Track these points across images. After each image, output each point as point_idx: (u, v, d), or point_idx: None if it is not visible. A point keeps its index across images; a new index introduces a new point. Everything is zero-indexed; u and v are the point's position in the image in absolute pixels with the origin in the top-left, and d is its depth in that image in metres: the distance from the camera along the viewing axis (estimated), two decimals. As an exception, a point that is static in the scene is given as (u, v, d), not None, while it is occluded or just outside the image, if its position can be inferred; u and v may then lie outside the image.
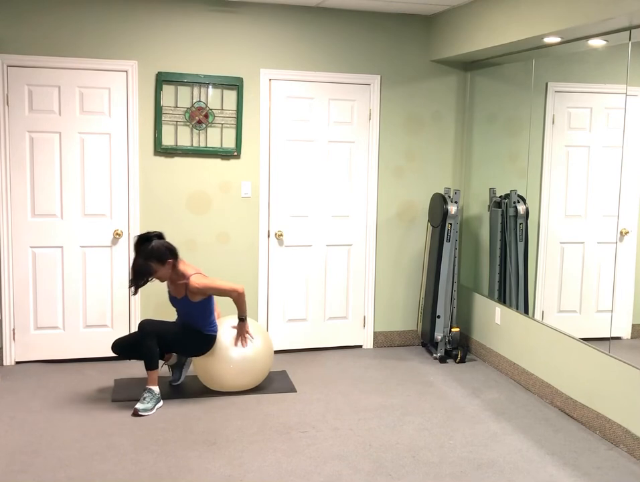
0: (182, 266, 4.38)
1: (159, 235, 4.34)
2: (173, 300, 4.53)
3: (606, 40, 3.99)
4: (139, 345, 4.29)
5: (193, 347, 4.45)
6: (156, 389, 4.28)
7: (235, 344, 4.45)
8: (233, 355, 4.45)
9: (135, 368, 5.00)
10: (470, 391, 4.72)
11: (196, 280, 4.30)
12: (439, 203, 5.30)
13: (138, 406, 4.18)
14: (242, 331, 4.48)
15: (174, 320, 4.64)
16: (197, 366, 4.55)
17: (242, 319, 4.48)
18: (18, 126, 4.84)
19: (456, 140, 5.67)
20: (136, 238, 4.33)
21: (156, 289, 5.19)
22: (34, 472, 3.42)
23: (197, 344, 4.43)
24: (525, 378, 4.82)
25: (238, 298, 4.42)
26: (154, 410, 4.22)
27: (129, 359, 4.48)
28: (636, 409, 3.74)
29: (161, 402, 4.31)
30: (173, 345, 4.44)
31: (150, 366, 4.28)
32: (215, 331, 4.46)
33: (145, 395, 4.25)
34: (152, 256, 4.22)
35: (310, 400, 4.49)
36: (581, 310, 4.44)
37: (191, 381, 4.71)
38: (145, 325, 4.32)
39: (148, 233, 4.34)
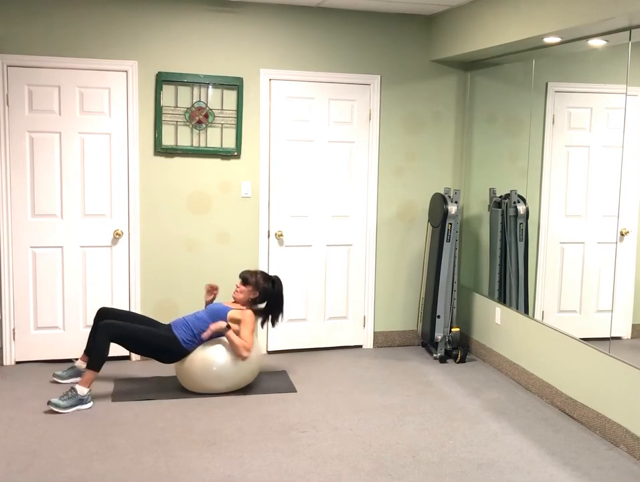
0: (249, 311, 4.61)
1: (275, 280, 4.73)
2: (215, 305, 4.65)
3: (606, 40, 3.99)
4: (94, 337, 4.33)
5: (163, 353, 4.44)
6: (81, 390, 4.20)
7: (209, 329, 4.43)
8: (216, 358, 4.43)
9: (136, 368, 5.00)
10: (470, 391, 4.72)
11: (248, 314, 4.56)
12: (439, 203, 5.30)
13: (53, 399, 4.18)
14: (216, 328, 4.42)
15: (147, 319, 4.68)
16: (178, 368, 4.55)
17: (228, 327, 4.46)
18: (18, 126, 4.84)
19: (456, 140, 5.67)
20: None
21: (156, 289, 5.19)
22: (34, 472, 3.42)
23: (169, 351, 4.44)
24: (525, 378, 4.82)
25: (234, 348, 4.42)
26: (70, 410, 4.15)
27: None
28: (636, 409, 3.74)
29: (88, 404, 4.23)
30: (141, 346, 4.44)
31: (92, 365, 4.25)
32: (191, 349, 4.45)
33: (66, 391, 4.23)
34: (255, 277, 4.64)
35: (310, 400, 4.49)
36: (581, 310, 4.44)
37: (191, 381, 4.71)
38: (108, 326, 4.31)
39: (275, 276, 4.79)
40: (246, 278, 4.64)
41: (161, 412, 4.22)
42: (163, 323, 4.69)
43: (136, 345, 4.46)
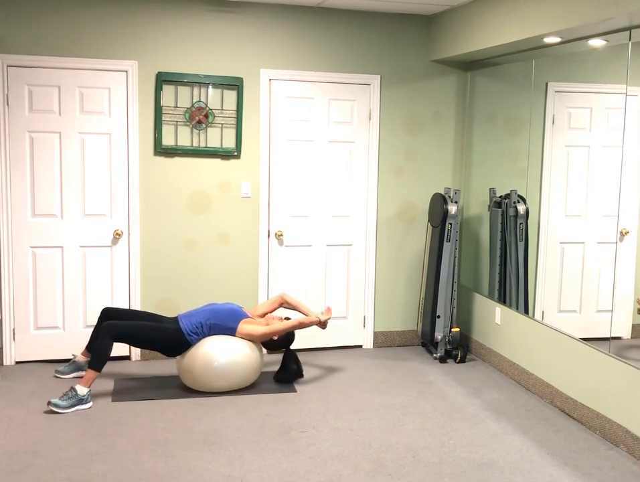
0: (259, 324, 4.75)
1: (291, 352, 4.91)
2: (237, 306, 4.73)
3: (606, 40, 3.99)
4: (97, 337, 4.36)
5: (167, 345, 4.49)
6: (81, 390, 4.21)
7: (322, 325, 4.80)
8: (218, 356, 4.45)
9: (136, 368, 5.01)
10: (470, 391, 4.72)
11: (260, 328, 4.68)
12: (439, 203, 5.30)
13: (53, 399, 4.20)
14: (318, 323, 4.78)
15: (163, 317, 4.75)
16: (179, 366, 4.56)
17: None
18: (18, 126, 4.84)
19: (456, 140, 5.67)
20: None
21: (156, 289, 5.19)
22: (34, 473, 3.42)
23: (172, 343, 4.48)
24: (525, 378, 4.82)
25: (268, 333, 4.63)
26: (70, 410, 4.16)
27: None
28: (637, 409, 3.74)
29: (88, 404, 4.24)
30: (144, 341, 4.48)
31: (94, 365, 4.27)
32: (193, 342, 4.49)
33: (66, 391, 4.24)
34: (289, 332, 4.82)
35: (310, 400, 4.49)
36: (581, 310, 4.44)
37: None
38: (110, 327, 4.33)
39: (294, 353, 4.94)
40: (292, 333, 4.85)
41: (161, 411, 4.23)
42: (169, 316, 4.77)
43: (140, 342, 4.48)
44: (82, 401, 4.22)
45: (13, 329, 5.00)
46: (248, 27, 5.15)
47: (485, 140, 5.43)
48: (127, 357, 5.18)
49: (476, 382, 4.92)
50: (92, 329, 5.07)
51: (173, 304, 5.21)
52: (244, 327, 4.56)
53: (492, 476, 3.51)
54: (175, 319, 4.58)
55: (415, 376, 5.01)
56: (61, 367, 4.79)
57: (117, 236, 5.07)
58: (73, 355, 4.90)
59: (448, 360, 5.37)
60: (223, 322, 4.54)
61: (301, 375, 4.85)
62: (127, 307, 5.14)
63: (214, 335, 4.53)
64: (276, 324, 4.64)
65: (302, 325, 4.68)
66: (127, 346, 5.12)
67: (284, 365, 4.83)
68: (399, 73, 5.49)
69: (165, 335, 4.46)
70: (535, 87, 4.75)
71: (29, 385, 4.61)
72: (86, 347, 4.72)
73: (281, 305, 4.89)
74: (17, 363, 5.03)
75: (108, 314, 4.62)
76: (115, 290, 5.13)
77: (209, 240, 5.26)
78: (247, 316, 4.64)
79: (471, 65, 5.54)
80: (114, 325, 4.36)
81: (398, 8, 5.22)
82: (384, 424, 4.13)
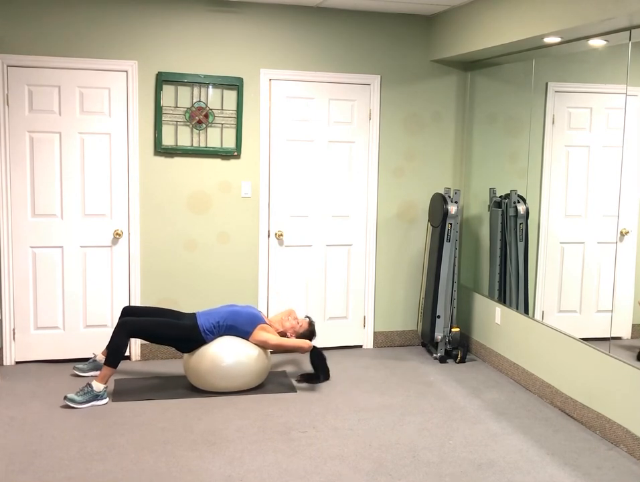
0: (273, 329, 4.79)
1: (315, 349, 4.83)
2: (256, 311, 4.73)
3: (606, 40, 3.99)
4: (114, 335, 4.37)
5: (182, 341, 4.50)
6: (97, 386, 4.26)
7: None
8: (225, 357, 4.46)
9: (136, 368, 5.01)
10: (470, 391, 4.72)
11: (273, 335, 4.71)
12: (439, 203, 5.30)
13: (70, 394, 4.25)
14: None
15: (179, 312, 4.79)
16: (186, 364, 4.57)
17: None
18: (18, 126, 4.84)
19: (456, 140, 5.67)
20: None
21: (156, 289, 5.19)
22: (34, 473, 3.42)
23: (187, 339, 4.49)
24: (525, 378, 4.82)
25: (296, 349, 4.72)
26: (85, 406, 4.21)
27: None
28: (636, 409, 3.74)
29: (103, 400, 4.28)
30: (160, 337, 4.49)
31: (109, 361, 4.30)
32: (208, 340, 4.50)
33: (82, 387, 4.28)
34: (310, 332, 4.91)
35: (310, 400, 4.49)
36: (581, 310, 4.44)
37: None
38: (126, 324, 4.36)
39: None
40: (312, 323, 4.91)
41: (161, 411, 4.23)
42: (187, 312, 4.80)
43: (155, 338, 4.50)
44: (97, 397, 4.26)
45: (13, 329, 5.00)
46: (248, 27, 5.15)
47: (485, 140, 5.43)
48: (127, 357, 5.17)
49: (476, 382, 4.92)
50: (92, 329, 5.11)
51: (173, 304, 5.21)
52: (259, 333, 4.56)
53: (492, 476, 3.51)
54: (193, 316, 4.60)
55: (415, 376, 5.01)
56: (80, 364, 4.82)
57: (117, 236, 5.07)
58: (93, 354, 4.92)
59: (448, 360, 5.37)
60: (240, 325, 4.55)
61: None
62: (139, 304, 5.14)
63: (229, 336, 4.54)
64: (291, 339, 4.68)
65: (308, 348, 4.71)
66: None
67: (315, 368, 4.85)
68: (399, 73, 5.49)
69: (180, 331, 4.48)
70: (535, 87, 4.75)
71: (29, 385, 4.61)
72: (106, 346, 4.70)
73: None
74: (17, 363, 5.03)
75: (128, 312, 4.64)
76: (115, 290, 5.13)
77: (209, 240, 5.26)
78: (264, 323, 4.64)
79: (471, 65, 5.54)
80: (130, 321, 4.39)
81: (398, 8, 5.22)
82: (384, 424, 4.13)
